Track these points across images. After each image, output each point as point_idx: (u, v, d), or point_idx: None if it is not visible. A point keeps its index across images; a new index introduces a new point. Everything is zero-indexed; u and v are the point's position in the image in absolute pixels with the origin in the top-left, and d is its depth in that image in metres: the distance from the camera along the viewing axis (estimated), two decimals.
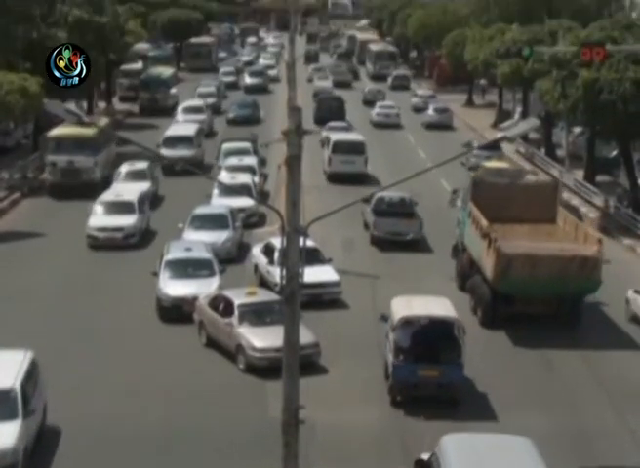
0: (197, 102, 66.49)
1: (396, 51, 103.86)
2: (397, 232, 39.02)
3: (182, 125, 57.00)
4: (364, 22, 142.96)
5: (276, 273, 29.41)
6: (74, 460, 21.79)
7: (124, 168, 45.19)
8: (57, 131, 47.16)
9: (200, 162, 50.21)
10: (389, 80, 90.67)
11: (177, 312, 30.12)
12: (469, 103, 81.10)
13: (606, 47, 36.90)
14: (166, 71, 77.21)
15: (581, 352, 28.91)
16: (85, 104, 63.94)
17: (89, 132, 44.86)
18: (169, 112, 67.13)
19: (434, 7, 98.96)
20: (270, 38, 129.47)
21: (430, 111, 70.72)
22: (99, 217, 38.48)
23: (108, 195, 40.48)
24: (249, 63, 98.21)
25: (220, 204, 39.42)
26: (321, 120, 62.96)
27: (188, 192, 43.55)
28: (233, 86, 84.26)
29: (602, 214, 44.25)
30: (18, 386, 21.07)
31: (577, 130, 56.08)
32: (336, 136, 52.57)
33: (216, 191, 41.04)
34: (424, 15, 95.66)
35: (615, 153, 51.76)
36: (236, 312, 27.57)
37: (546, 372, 27.69)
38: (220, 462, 22.11)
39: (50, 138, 47.31)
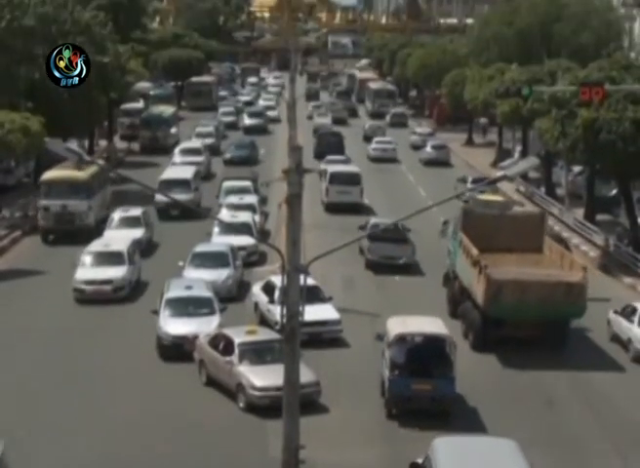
0: (195, 144, 65.51)
1: (395, 89, 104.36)
2: (390, 256, 40.63)
3: (179, 167, 55.35)
4: (364, 62, 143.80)
5: (276, 311, 29.44)
6: None
7: (117, 214, 43.50)
8: (49, 174, 45.72)
9: (197, 206, 48.27)
10: (387, 117, 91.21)
11: (177, 350, 30.02)
12: (469, 142, 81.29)
13: (605, 87, 37.01)
14: (167, 110, 76.98)
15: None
16: (86, 143, 64.15)
17: (82, 175, 44.21)
18: (169, 151, 66.29)
19: (434, 47, 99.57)
20: (271, 78, 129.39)
21: (428, 148, 71.05)
22: (86, 269, 36.36)
23: (96, 245, 38.32)
24: (249, 103, 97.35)
25: (220, 242, 39.34)
26: (321, 155, 63.77)
27: (185, 237, 42.19)
28: (233, 126, 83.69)
29: (602, 253, 44.38)
30: None
31: (576, 169, 56.23)
32: (332, 168, 53.67)
33: (216, 229, 40.93)
34: (424, 54, 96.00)
35: (614, 192, 51.85)
36: (236, 351, 27.50)
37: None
38: None
39: (42, 182, 45.73)
